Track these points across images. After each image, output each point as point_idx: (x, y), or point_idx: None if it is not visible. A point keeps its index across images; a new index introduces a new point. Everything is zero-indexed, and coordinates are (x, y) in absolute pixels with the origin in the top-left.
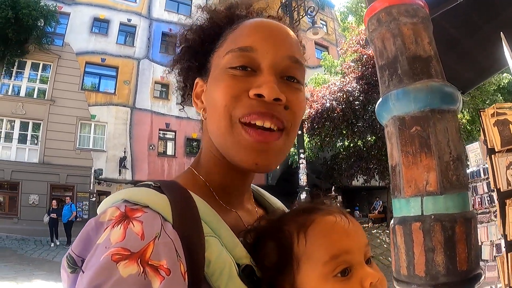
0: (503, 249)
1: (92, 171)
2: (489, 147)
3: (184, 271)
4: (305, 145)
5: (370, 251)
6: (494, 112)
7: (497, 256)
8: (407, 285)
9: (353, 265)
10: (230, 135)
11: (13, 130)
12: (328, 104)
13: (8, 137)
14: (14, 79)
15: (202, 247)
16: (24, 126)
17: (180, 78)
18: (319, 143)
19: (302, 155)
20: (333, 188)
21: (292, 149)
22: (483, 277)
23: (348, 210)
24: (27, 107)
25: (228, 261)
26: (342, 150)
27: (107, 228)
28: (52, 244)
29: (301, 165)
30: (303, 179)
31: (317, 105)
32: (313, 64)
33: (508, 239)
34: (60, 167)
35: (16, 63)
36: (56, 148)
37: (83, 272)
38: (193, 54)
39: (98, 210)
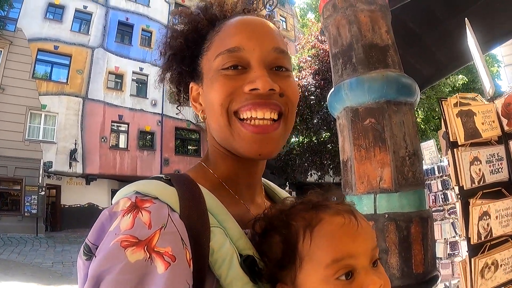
0: (465, 253)
1: (42, 163)
2: (451, 140)
3: (189, 258)
4: None
5: (378, 253)
6: (457, 101)
7: (451, 254)
8: None
9: (357, 269)
10: (230, 129)
11: None
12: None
13: None
14: None
15: (207, 237)
16: None
17: (173, 85)
18: None
19: None
20: (287, 184)
21: None
22: (439, 279)
23: None
24: None
25: (231, 251)
26: (296, 145)
27: (118, 217)
28: None
29: None
30: None
31: None
32: None
33: (472, 242)
34: (8, 159)
35: None
36: (4, 139)
37: (95, 256)
38: (180, 60)
39: (113, 200)
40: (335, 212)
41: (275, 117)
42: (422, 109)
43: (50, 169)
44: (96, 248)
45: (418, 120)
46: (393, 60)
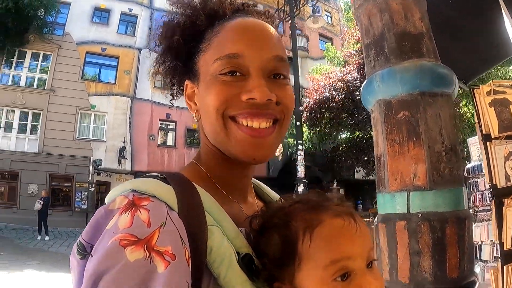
0: (499, 260)
1: (91, 161)
2: (483, 132)
3: (188, 256)
4: (304, 136)
5: (374, 254)
6: (490, 89)
7: (498, 256)
8: None
9: (353, 270)
10: (225, 132)
11: (13, 120)
12: (327, 94)
13: (8, 127)
14: (14, 69)
15: (205, 235)
16: (24, 116)
17: (167, 78)
18: (318, 135)
19: (300, 147)
20: (336, 181)
21: (291, 141)
22: (477, 285)
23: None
24: (27, 97)
25: (229, 250)
26: (342, 142)
27: (115, 215)
28: (39, 237)
29: (299, 157)
30: (301, 171)
31: (316, 95)
32: (316, 55)
33: (505, 248)
34: (59, 157)
35: (16, 53)
36: (55, 138)
37: (92, 256)
38: (176, 55)
39: (107, 199)
40: (335, 214)
41: (270, 124)
42: (472, 103)
43: (100, 167)
44: (91, 247)
45: (468, 115)
46: (427, 48)
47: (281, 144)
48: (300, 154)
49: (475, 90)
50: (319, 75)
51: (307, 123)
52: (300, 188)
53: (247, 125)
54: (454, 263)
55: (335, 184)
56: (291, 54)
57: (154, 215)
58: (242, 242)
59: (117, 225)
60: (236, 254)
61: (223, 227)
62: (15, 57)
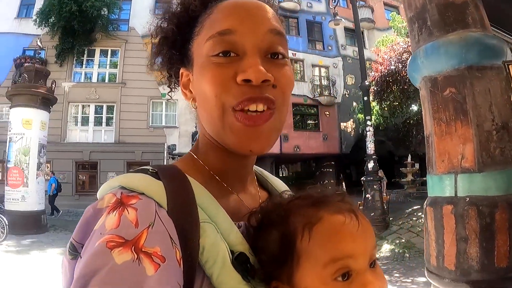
0: None
1: (166, 147)
2: None
3: (179, 257)
4: (374, 111)
5: (376, 253)
6: None
7: None
8: (438, 278)
9: (355, 270)
10: (222, 123)
11: (88, 114)
12: (393, 67)
13: (85, 121)
14: (86, 67)
15: (197, 234)
16: (99, 110)
17: (164, 69)
18: (387, 109)
19: (369, 122)
20: (410, 155)
21: (362, 116)
22: None
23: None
24: (100, 92)
25: (222, 249)
26: (413, 115)
27: (103, 214)
28: None
29: (368, 133)
30: (370, 147)
31: (382, 68)
32: (382, 26)
33: None
34: (135, 145)
35: (85, 52)
36: (130, 128)
37: (81, 257)
38: (171, 44)
39: (98, 195)
40: (335, 210)
41: (266, 108)
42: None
43: (174, 152)
44: (82, 247)
45: None
46: (473, 18)
47: (351, 119)
48: (369, 130)
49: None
50: (384, 47)
51: (376, 98)
52: (370, 165)
53: (242, 109)
54: (504, 251)
55: (409, 159)
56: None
57: (142, 215)
58: (238, 239)
59: (104, 225)
60: (230, 253)
61: (217, 224)
62: (85, 55)
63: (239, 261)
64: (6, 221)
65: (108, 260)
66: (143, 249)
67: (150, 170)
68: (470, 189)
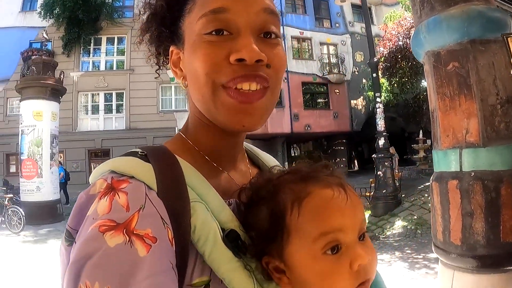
0: None
1: (177, 130)
2: None
3: (171, 236)
4: (384, 87)
5: (365, 226)
6: None
7: None
8: (444, 253)
9: (344, 243)
10: (214, 100)
11: (98, 102)
12: (401, 42)
13: (95, 109)
14: (93, 56)
15: (188, 213)
16: (108, 97)
17: (152, 46)
18: (396, 85)
19: (378, 99)
20: (421, 132)
21: (371, 93)
22: None
23: None
24: (108, 80)
25: (213, 227)
26: (422, 91)
27: (95, 199)
28: None
29: (378, 110)
30: (380, 124)
31: (390, 44)
32: (390, 1)
33: None
34: (146, 130)
35: (92, 41)
36: (140, 114)
37: (75, 243)
38: (160, 21)
39: (90, 179)
40: (324, 185)
41: (260, 87)
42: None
43: None
44: (77, 233)
45: None
46: None
47: (362, 97)
48: (379, 107)
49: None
50: (392, 23)
51: (385, 74)
52: (381, 142)
53: (235, 87)
54: (509, 226)
55: (421, 135)
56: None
57: (132, 199)
58: (228, 216)
59: (96, 211)
60: (221, 231)
61: (207, 202)
62: (92, 44)
63: (230, 238)
64: (23, 212)
65: (101, 244)
66: (134, 232)
67: (140, 153)
68: (475, 164)
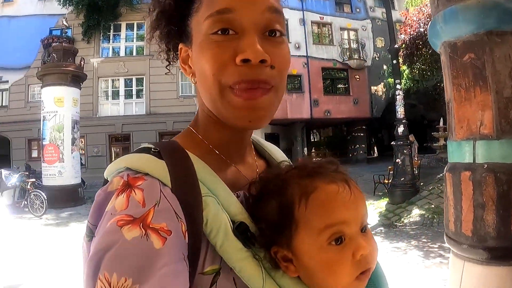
0: None
1: None
2: None
3: (184, 229)
4: (404, 74)
5: (367, 220)
6: None
7: None
8: (455, 244)
9: (347, 235)
10: (221, 99)
11: (119, 88)
12: (422, 29)
13: (116, 94)
14: (113, 42)
15: (200, 207)
16: (128, 82)
17: (162, 43)
18: (417, 72)
19: (398, 86)
20: (442, 120)
21: (391, 80)
22: None
23: None
24: (128, 65)
25: (224, 220)
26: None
27: (113, 196)
28: None
29: (398, 97)
30: (400, 111)
31: (411, 30)
32: None
33: None
34: (166, 115)
35: (111, 27)
36: (160, 99)
37: (95, 237)
38: (169, 18)
39: (105, 174)
40: (329, 180)
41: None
42: None
43: None
44: (96, 229)
45: None
46: None
47: (382, 83)
48: (399, 94)
49: None
50: (413, 9)
51: (406, 61)
52: (400, 129)
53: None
54: None
55: (441, 123)
56: None
57: (148, 195)
58: (237, 209)
59: (114, 207)
60: (231, 223)
61: (217, 196)
62: (111, 30)
63: (239, 230)
64: (45, 196)
65: (119, 237)
66: (150, 225)
67: (153, 149)
68: (488, 156)
